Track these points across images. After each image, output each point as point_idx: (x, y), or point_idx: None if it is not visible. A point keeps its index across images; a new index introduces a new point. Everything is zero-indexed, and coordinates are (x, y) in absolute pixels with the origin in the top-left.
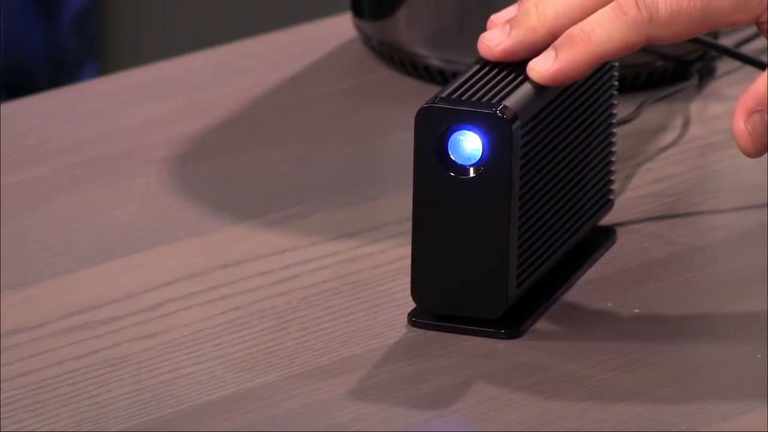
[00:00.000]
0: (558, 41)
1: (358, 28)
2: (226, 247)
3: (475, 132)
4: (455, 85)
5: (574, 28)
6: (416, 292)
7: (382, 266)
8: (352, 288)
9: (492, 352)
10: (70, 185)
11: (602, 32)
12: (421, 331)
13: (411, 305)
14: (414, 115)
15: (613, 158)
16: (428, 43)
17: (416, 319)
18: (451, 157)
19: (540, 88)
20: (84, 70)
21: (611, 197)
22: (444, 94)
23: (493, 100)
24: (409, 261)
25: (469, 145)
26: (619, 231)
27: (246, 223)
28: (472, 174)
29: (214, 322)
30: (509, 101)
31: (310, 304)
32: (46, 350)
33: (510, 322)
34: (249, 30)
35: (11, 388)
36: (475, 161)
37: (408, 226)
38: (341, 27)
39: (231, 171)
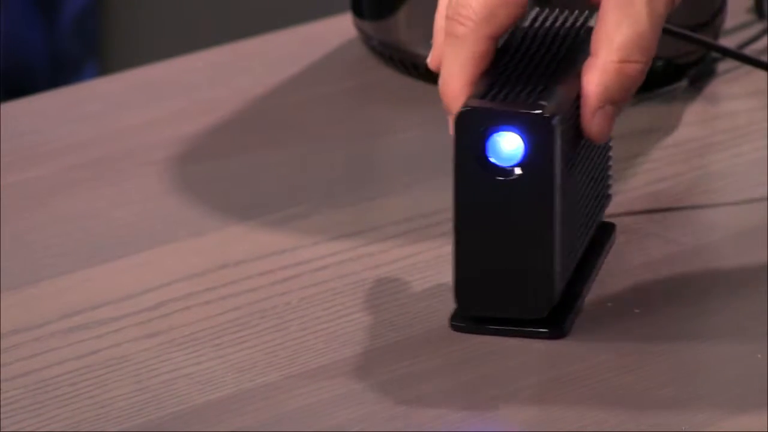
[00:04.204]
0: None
1: (359, 28)
2: (226, 248)
3: (516, 132)
4: (486, 85)
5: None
6: (460, 296)
7: (383, 266)
8: (352, 288)
9: (492, 352)
10: (70, 186)
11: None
12: (421, 330)
13: (411, 305)
14: (413, 115)
15: (611, 153)
16: (428, 43)
17: (457, 323)
18: (493, 158)
19: (566, 83)
20: (84, 70)
21: (609, 192)
22: (480, 96)
23: (531, 99)
24: (408, 261)
25: (508, 145)
26: (619, 231)
27: (246, 223)
28: (514, 175)
29: (214, 322)
30: (547, 98)
31: (311, 304)
32: (46, 350)
33: (551, 322)
34: (249, 30)
35: (11, 389)
36: (516, 161)
37: (408, 226)
38: (341, 27)
39: (231, 171)
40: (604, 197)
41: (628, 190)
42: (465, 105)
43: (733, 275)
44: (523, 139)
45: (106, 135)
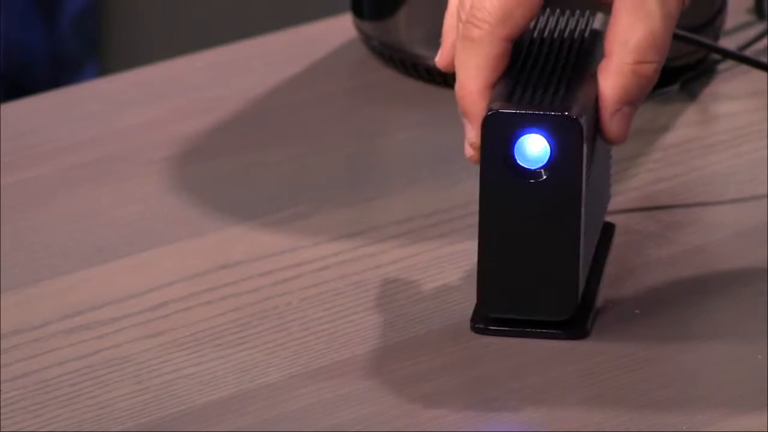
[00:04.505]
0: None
1: (359, 29)
2: (226, 248)
3: (543, 134)
4: (507, 87)
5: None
6: (484, 298)
7: (384, 266)
8: (353, 288)
9: (492, 353)
10: (71, 185)
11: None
12: (422, 331)
13: (412, 306)
14: (413, 115)
15: (612, 152)
16: (429, 43)
17: (478, 325)
18: (520, 161)
19: (584, 85)
20: (84, 70)
21: (610, 191)
22: (503, 99)
23: (556, 101)
24: (409, 262)
25: (534, 147)
26: (620, 231)
27: (246, 223)
28: (542, 177)
29: (214, 322)
30: (571, 100)
31: (311, 304)
32: (47, 351)
33: (571, 322)
34: (249, 31)
35: (12, 389)
36: (543, 164)
37: (408, 226)
38: (342, 28)
39: (231, 171)
40: (607, 197)
41: (628, 190)
42: (491, 108)
43: (733, 275)
44: (549, 141)
45: (106, 135)
